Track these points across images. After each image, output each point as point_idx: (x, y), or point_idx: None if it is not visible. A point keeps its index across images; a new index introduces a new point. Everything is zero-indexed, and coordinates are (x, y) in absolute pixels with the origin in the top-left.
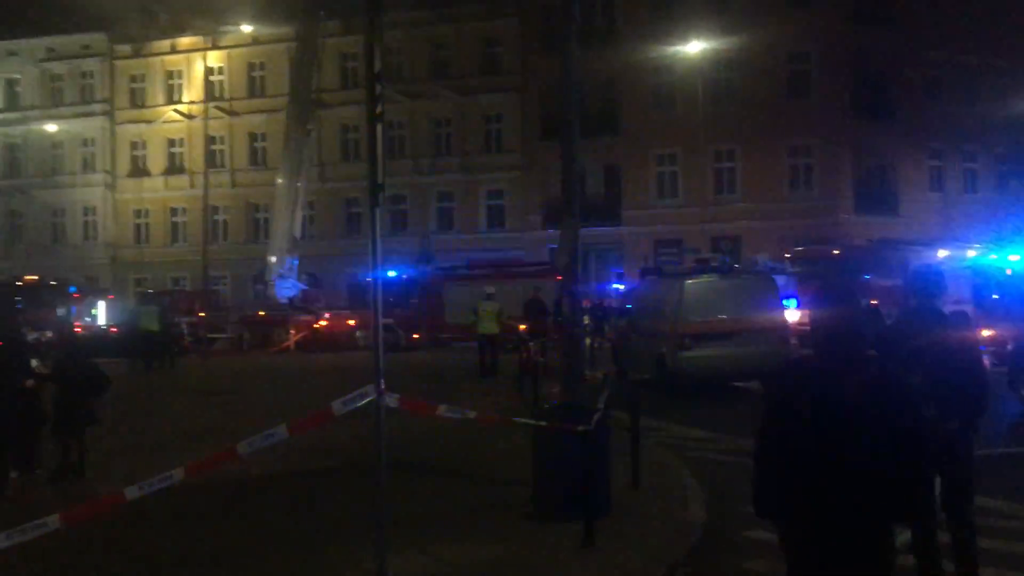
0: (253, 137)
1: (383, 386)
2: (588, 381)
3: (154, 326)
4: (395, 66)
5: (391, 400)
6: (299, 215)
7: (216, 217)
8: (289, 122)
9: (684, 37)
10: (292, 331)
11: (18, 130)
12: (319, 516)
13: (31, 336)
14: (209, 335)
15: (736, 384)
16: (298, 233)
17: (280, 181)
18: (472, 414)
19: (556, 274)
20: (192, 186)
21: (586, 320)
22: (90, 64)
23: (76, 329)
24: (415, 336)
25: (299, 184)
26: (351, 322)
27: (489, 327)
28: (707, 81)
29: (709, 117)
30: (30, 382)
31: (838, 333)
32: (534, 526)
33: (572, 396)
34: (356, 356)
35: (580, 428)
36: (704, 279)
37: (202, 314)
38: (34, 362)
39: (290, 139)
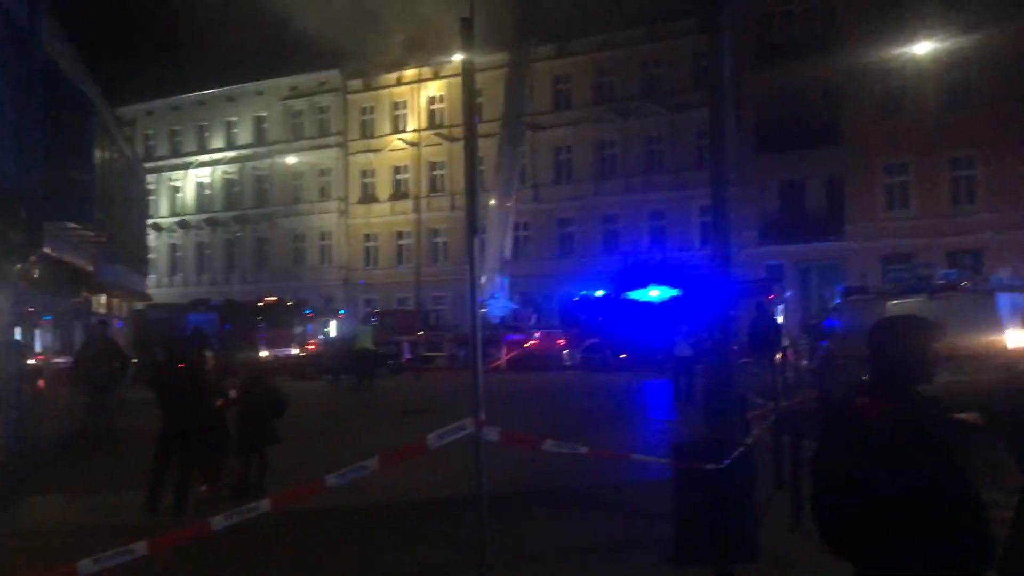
0: None
1: (483, 418)
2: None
3: (368, 344)
4: (607, 86)
5: (491, 434)
6: (510, 236)
7: (436, 240)
8: (501, 145)
9: (912, 38)
10: (504, 350)
11: (265, 163)
12: (450, 548)
13: (268, 353)
14: (426, 353)
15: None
16: (508, 254)
17: (492, 203)
18: (583, 449)
19: (771, 292)
20: (416, 210)
21: (786, 342)
22: (326, 99)
23: (310, 346)
24: (622, 356)
25: (509, 205)
26: (561, 341)
27: (682, 349)
28: (941, 84)
29: (944, 122)
30: (220, 402)
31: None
32: (674, 570)
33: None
34: (565, 376)
35: (709, 466)
36: (911, 299)
37: (420, 333)
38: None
39: (501, 161)
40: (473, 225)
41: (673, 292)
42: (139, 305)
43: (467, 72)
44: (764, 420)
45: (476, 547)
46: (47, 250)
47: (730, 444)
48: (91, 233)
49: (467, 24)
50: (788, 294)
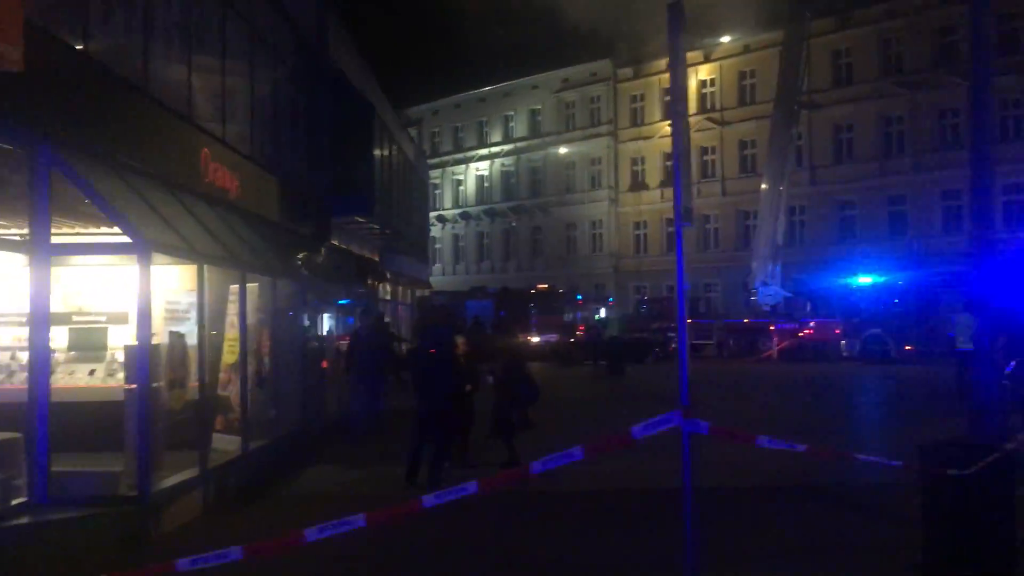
0: (743, 145)
1: (689, 410)
2: None
3: (614, 331)
4: (894, 57)
5: (701, 427)
6: (782, 220)
7: (707, 226)
8: (773, 126)
9: None
10: (775, 339)
11: (539, 155)
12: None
13: (534, 338)
14: (695, 341)
15: None
16: (780, 239)
17: (764, 187)
18: (802, 447)
19: None
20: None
21: None
22: (597, 89)
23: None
24: (908, 347)
25: (782, 188)
26: (838, 331)
27: (965, 342)
28: None
29: None
30: (468, 387)
31: None
32: None
33: (978, 430)
34: (840, 367)
35: (951, 472)
36: None
37: (688, 320)
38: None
39: (774, 143)
40: (683, 215)
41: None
42: (422, 292)
43: (674, 68)
44: None
45: (683, 544)
46: (335, 242)
47: (985, 448)
48: (375, 226)
49: (676, 9)
50: None
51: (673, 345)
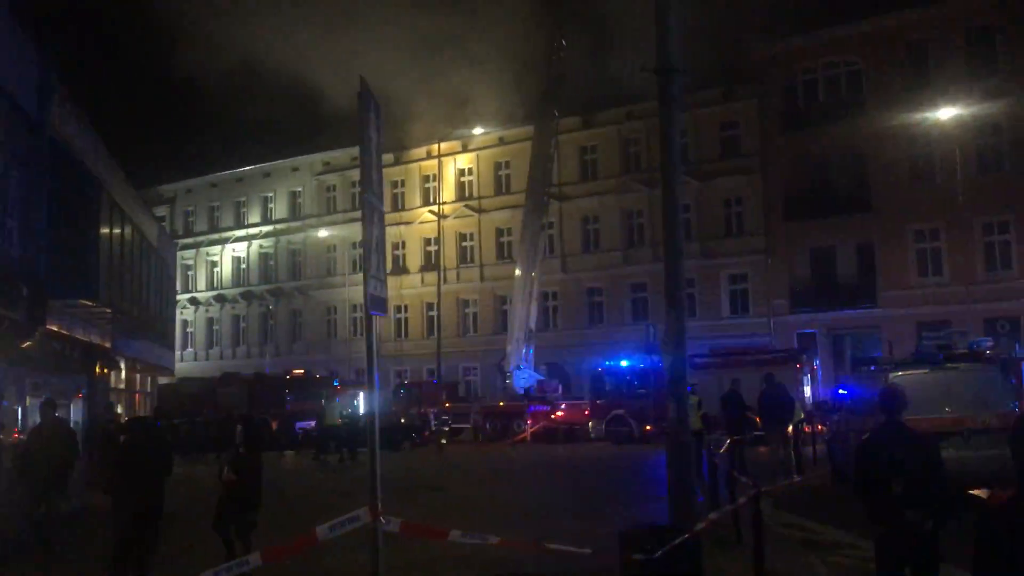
0: (500, 232)
1: (380, 508)
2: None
3: (335, 420)
4: (633, 156)
5: (391, 524)
6: (534, 305)
7: (467, 310)
8: (525, 215)
9: (938, 103)
10: (528, 422)
11: (299, 237)
12: None
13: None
14: (454, 425)
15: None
16: (533, 324)
17: (517, 273)
18: (494, 539)
19: (797, 362)
20: (445, 281)
21: (801, 415)
22: (357, 175)
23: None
24: (647, 428)
25: (533, 275)
26: (587, 412)
27: (695, 421)
28: (970, 148)
29: (975, 187)
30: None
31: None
32: None
33: (679, 517)
34: (585, 449)
35: (637, 556)
36: (913, 372)
37: (447, 405)
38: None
39: (526, 231)
40: (372, 303)
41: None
42: (168, 379)
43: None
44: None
45: None
46: (54, 327)
47: (675, 531)
48: (105, 309)
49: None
50: (817, 363)
51: (430, 430)
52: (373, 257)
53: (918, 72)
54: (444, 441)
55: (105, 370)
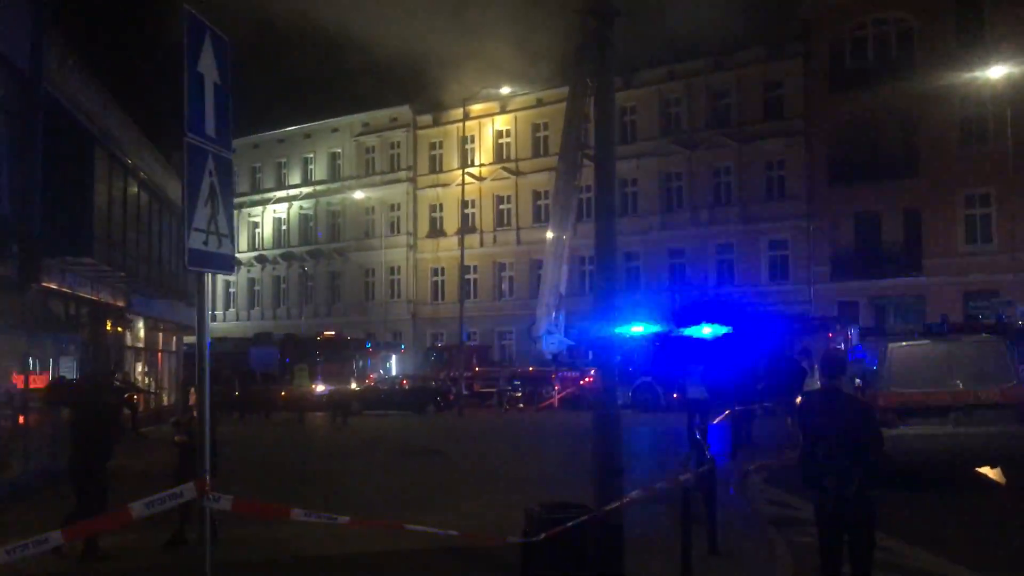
0: (537, 195)
1: (208, 484)
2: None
3: (304, 383)
4: (673, 117)
5: (223, 502)
6: (566, 270)
7: (503, 274)
8: (558, 177)
9: (989, 62)
10: (556, 388)
11: (338, 199)
12: None
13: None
14: (483, 389)
15: (977, 470)
16: (564, 289)
17: (549, 236)
18: (344, 519)
19: (829, 331)
20: (482, 244)
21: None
22: (397, 135)
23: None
24: (675, 396)
25: (565, 238)
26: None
27: (696, 392)
28: (1022, 110)
29: None
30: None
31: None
32: None
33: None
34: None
35: (511, 539)
36: (914, 342)
37: (476, 369)
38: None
39: (559, 194)
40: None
41: (726, 330)
42: (191, 339)
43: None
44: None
45: None
46: (53, 285)
47: (581, 510)
48: (104, 267)
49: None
50: (853, 331)
51: (453, 394)
52: (203, 209)
53: (971, 30)
54: (508, 407)
55: (118, 328)
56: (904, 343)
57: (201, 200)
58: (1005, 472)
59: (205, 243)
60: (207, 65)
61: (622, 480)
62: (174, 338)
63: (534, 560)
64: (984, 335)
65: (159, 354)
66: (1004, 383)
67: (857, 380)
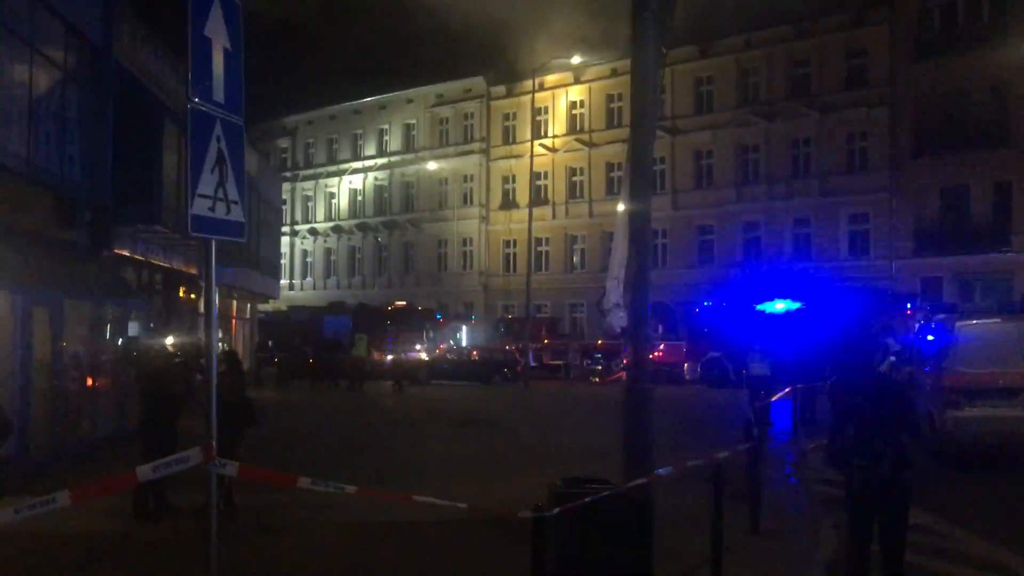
0: (610, 167)
1: (215, 449)
2: None
3: (362, 352)
4: (751, 87)
5: (228, 468)
6: None
7: (575, 247)
8: (630, 149)
9: None
10: (624, 361)
11: (412, 170)
12: None
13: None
14: (552, 362)
15: None
16: None
17: (620, 208)
18: (351, 489)
19: (905, 307)
20: (554, 217)
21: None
22: (471, 106)
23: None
24: (744, 371)
25: None
26: (685, 353)
27: (757, 369)
28: None
29: None
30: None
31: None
32: None
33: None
34: (678, 391)
35: (521, 514)
36: (984, 321)
37: (546, 341)
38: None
39: (631, 165)
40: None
41: (798, 305)
42: (267, 307)
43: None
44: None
45: None
46: (125, 252)
47: (606, 486)
48: (175, 235)
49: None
50: (928, 308)
51: (521, 365)
52: (209, 175)
53: None
54: (597, 379)
55: (191, 295)
56: (973, 321)
57: (207, 166)
58: None
59: (212, 209)
60: (215, 29)
61: (652, 455)
62: (248, 305)
63: (550, 536)
64: None
65: (232, 321)
66: None
67: (891, 358)
